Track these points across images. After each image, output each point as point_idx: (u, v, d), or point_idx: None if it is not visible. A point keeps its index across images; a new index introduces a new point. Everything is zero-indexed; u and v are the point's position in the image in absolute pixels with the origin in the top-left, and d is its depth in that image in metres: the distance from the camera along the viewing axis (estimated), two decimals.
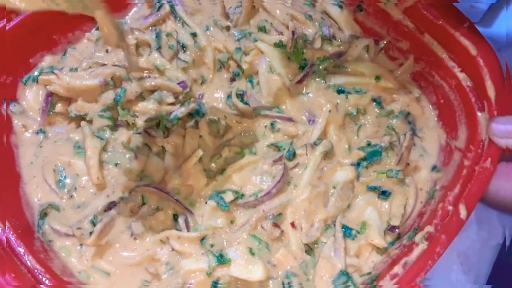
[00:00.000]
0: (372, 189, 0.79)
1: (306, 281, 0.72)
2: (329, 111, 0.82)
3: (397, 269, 0.65)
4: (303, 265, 0.73)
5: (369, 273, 0.73)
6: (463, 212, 0.65)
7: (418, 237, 0.67)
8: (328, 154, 0.80)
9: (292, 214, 0.76)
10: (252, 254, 0.72)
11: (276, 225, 0.74)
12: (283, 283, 0.71)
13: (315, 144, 0.80)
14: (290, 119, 0.84)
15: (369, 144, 0.82)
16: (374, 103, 0.86)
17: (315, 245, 0.75)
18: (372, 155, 0.80)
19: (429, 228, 0.67)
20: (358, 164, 0.80)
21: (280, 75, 0.85)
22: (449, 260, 0.81)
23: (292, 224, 0.75)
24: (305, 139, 0.82)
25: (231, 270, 0.70)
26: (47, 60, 0.86)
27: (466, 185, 0.68)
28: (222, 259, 0.71)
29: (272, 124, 0.84)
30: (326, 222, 0.76)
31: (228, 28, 0.92)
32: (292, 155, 0.79)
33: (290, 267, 0.73)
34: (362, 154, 0.79)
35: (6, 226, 0.68)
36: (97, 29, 0.91)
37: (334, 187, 0.77)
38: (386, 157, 0.80)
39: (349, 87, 0.86)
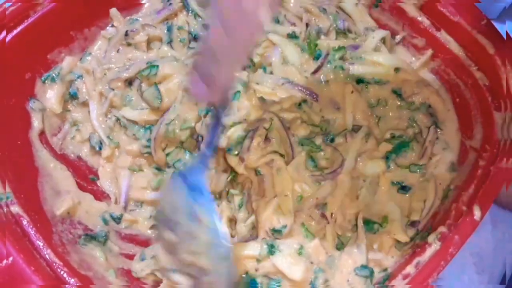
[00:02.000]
0: (394, 184, 0.78)
1: (332, 277, 0.72)
2: (351, 92, 0.81)
3: (410, 268, 0.65)
4: (329, 260, 0.73)
5: (385, 269, 0.73)
6: (477, 213, 0.65)
7: (431, 237, 0.67)
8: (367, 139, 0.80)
9: (331, 205, 0.76)
10: (300, 254, 0.72)
11: (323, 215, 0.74)
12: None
13: (353, 131, 0.79)
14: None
15: (393, 137, 0.81)
16: (395, 95, 0.85)
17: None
18: (400, 147, 0.79)
19: (442, 228, 0.67)
20: (387, 158, 0.79)
21: (295, 66, 0.85)
22: (463, 260, 0.81)
23: (330, 215, 0.75)
24: (338, 127, 0.81)
25: (275, 259, 0.70)
26: (67, 61, 0.87)
27: (481, 186, 0.68)
28: (272, 250, 0.72)
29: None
30: (356, 216, 0.76)
31: None
32: (331, 141, 0.79)
33: (319, 261, 0.73)
34: (390, 146, 0.79)
35: (26, 220, 0.69)
36: (112, 26, 0.92)
37: (364, 180, 0.77)
38: (410, 150, 0.80)
39: (368, 78, 0.85)
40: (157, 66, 0.79)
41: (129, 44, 0.87)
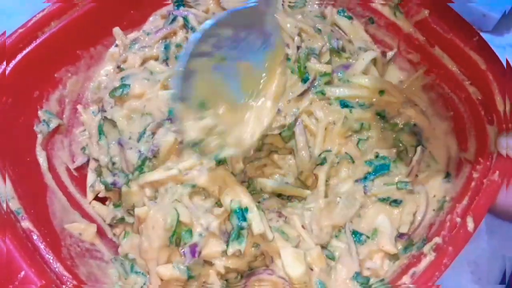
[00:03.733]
0: (382, 200, 0.80)
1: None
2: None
3: (405, 279, 0.67)
4: (327, 269, 0.75)
5: (382, 280, 0.74)
6: (470, 224, 0.67)
7: (426, 248, 0.69)
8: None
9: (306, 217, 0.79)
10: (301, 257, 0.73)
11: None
12: None
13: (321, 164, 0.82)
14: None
15: (377, 156, 0.83)
16: (378, 117, 0.86)
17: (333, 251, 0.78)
18: (380, 169, 0.81)
19: (437, 240, 0.69)
20: (365, 178, 0.81)
21: None
22: (460, 269, 0.83)
23: (303, 226, 0.78)
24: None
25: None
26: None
27: (474, 198, 0.70)
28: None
29: None
30: (334, 228, 0.78)
31: None
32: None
33: (320, 269, 0.74)
34: (369, 169, 0.81)
35: (36, 235, 0.72)
36: (116, 45, 0.96)
37: (339, 197, 0.79)
38: (395, 168, 0.82)
39: (352, 101, 0.85)
40: (129, 85, 0.83)
41: (121, 70, 0.90)
